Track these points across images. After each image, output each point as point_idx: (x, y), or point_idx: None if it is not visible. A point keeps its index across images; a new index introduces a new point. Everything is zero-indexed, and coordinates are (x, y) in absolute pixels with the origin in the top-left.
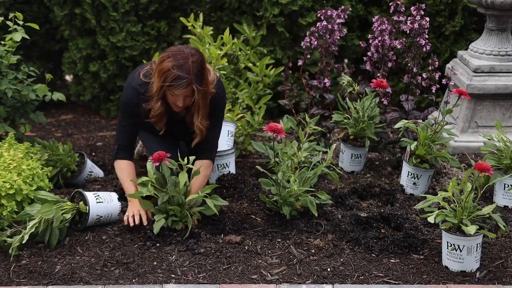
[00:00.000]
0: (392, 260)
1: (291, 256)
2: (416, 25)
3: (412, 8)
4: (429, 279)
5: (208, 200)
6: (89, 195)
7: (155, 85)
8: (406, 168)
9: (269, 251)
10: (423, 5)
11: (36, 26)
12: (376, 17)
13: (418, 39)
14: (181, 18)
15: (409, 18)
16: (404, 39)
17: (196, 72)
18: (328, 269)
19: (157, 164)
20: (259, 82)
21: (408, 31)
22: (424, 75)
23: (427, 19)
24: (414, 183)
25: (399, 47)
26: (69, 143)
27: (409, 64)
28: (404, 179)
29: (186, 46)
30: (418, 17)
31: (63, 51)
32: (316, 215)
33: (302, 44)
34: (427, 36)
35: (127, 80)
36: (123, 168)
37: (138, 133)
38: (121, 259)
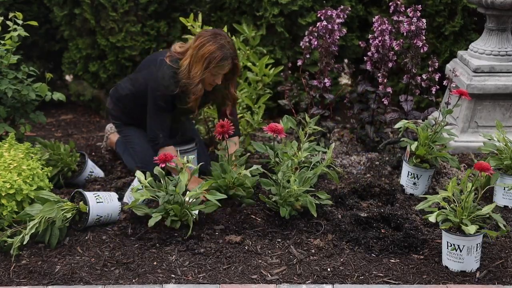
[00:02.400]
0: (392, 260)
1: (291, 256)
2: (412, 27)
3: (409, 9)
4: (429, 279)
5: (207, 195)
6: (89, 195)
7: (197, 70)
8: (406, 168)
9: (269, 251)
10: (419, 6)
11: (35, 23)
12: (377, 17)
13: (415, 40)
14: (181, 18)
15: (406, 20)
16: (402, 40)
17: (234, 49)
18: (328, 269)
19: (163, 165)
20: (258, 82)
21: (404, 33)
22: (424, 76)
23: (424, 20)
24: (414, 183)
25: (396, 48)
26: (72, 143)
27: (408, 65)
28: (404, 179)
29: (213, 29)
30: (414, 19)
31: (63, 51)
32: (315, 215)
33: (301, 44)
34: (424, 38)
35: (156, 74)
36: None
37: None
38: (121, 259)
